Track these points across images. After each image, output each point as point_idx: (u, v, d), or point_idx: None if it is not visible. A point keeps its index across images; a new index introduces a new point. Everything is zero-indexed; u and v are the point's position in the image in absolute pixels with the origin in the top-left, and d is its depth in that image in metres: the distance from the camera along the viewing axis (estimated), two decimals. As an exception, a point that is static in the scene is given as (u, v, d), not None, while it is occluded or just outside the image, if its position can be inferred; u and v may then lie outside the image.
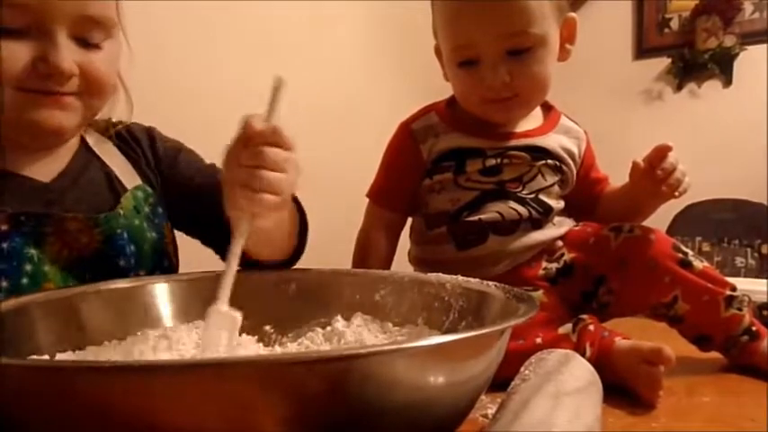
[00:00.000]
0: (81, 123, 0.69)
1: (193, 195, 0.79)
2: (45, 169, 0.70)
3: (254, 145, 0.53)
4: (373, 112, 1.93)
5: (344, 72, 2.04)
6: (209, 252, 0.80)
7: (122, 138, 0.78)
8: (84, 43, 0.65)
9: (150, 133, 0.81)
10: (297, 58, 1.84)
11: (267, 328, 0.65)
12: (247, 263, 0.77)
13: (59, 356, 0.54)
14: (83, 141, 0.75)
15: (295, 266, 0.76)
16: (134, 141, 0.79)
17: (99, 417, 0.35)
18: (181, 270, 0.81)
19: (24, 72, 0.61)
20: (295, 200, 0.77)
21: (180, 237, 0.84)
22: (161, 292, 0.66)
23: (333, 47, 2.00)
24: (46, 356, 0.53)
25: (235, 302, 0.63)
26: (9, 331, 0.51)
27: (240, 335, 0.61)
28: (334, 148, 1.92)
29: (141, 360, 0.53)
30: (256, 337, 0.63)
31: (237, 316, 0.54)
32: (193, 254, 0.85)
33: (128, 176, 0.76)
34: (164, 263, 0.75)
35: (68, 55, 0.62)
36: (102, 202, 0.72)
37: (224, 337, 0.54)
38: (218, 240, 0.79)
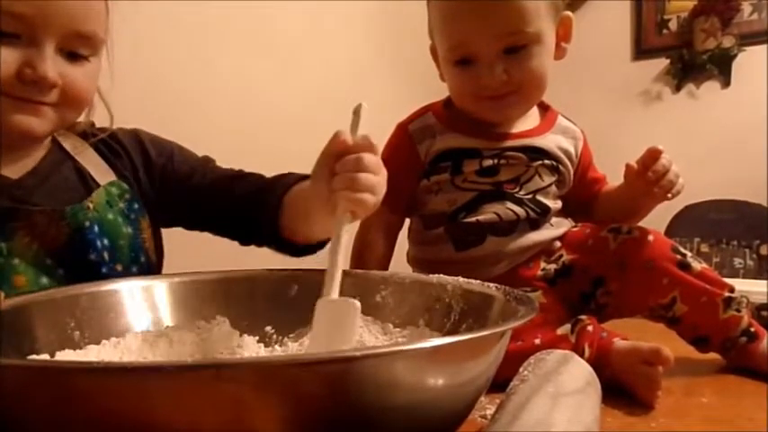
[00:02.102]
0: (52, 131, 0.70)
1: (194, 191, 0.80)
2: (13, 167, 0.70)
3: (352, 153, 0.59)
4: (372, 112, 1.93)
5: (343, 72, 2.03)
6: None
7: (106, 143, 0.79)
8: (70, 57, 0.66)
9: (137, 137, 0.82)
10: (296, 57, 1.84)
11: (268, 328, 0.65)
12: (294, 248, 0.78)
13: (59, 356, 0.54)
14: (55, 143, 0.76)
15: (296, 267, 0.76)
16: (119, 146, 0.79)
17: (98, 417, 0.35)
18: (165, 269, 0.81)
19: (9, 77, 0.62)
20: None
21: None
22: (161, 292, 0.66)
23: (332, 47, 1.99)
24: (45, 356, 0.53)
25: (236, 303, 0.63)
26: (9, 331, 0.51)
27: (241, 335, 0.61)
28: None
29: (140, 360, 0.53)
30: (257, 337, 0.63)
31: (355, 302, 0.54)
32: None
33: (102, 174, 0.76)
34: (140, 258, 0.75)
35: (54, 66, 0.64)
36: (73, 199, 0.72)
37: (348, 325, 0.54)
38: (228, 229, 0.81)
